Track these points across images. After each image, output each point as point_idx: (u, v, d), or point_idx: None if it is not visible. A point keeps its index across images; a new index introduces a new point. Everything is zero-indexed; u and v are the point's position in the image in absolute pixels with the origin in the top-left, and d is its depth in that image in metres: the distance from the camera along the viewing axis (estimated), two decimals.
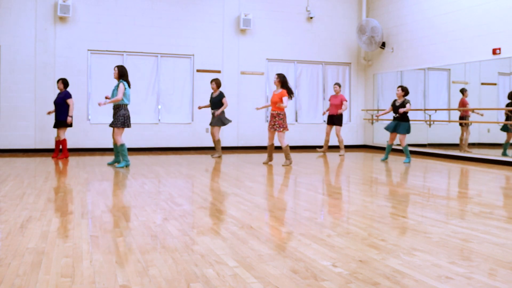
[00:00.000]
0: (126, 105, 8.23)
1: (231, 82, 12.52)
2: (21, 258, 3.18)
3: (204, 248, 3.46)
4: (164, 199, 5.50)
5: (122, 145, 8.21)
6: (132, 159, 9.92)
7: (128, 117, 8.20)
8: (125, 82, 8.19)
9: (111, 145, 11.69)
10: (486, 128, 10.65)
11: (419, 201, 5.60)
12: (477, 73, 10.66)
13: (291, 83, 13.17)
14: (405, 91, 9.76)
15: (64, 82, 9.77)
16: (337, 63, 13.70)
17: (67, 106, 9.59)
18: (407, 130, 9.67)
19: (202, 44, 12.35)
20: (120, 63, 11.76)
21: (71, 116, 9.59)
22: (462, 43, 10.55)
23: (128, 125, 8.21)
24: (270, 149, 9.21)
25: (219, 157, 10.39)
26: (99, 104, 8.14)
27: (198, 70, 12.37)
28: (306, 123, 13.36)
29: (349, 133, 13.81)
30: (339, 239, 3.78)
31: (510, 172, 8.52)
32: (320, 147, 12.77)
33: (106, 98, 8.52)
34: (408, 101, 9.65)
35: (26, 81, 11.09)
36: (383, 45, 12.95)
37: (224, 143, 12.47)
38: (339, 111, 11.32)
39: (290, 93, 8.80)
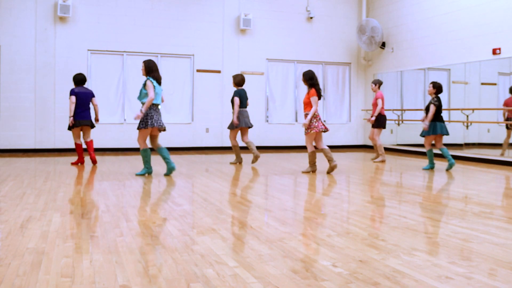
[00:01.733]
0: (152, 104, 7.11)
1: (231, 82, 12.49)
2: (21, 258, 3.18)
3: (204, 248, 3.46)
4: (164, 199, 5.50)
5: (143, 150, 7.23)
6: (133, 159, 9.92)
7: (152, 117, 7.05)
8: (152, 79, 7.16)
9: (111, 145, 11.71)
10: (486, 128, 10.64)
11: (419, 201, 5.60)
12: (477, 73, 10.65)
13: (290, 83, 13.19)
14: (436, 88, 8.36)
15: (73, 79, 8.77)
16: (337, 63, 13.69)
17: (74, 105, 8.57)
18: (427, 132, 8.44)
19: (202, 44, 12.35)
20: (120, 63, 11.78)
21: (71, 117, 8.49)
22: (462, 43, 10.55)
23: (151, 124, 7.02)
24: (311, 156, 7.96)
25: (237, 163, 9.31)
26: (137, 118, 7.00)
27: (198, 70, 12.37)
28: None
29: (349, 133, 13.81)
30: (339, 239, 3.78)
31: (510, 172, 8.52)
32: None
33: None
34: (432, 102, 8.30)
35: (26, 81, 11.08)
36: (383, 45, 12.94)
37: (224, 143, 12.47)
38: (371, 119, 10.00)
39: (318, 91, 7.77)
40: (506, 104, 9.99)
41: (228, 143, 12.36)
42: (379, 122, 10.02)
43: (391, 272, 2.98)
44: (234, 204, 5.30)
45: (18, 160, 9.43)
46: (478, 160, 10.14)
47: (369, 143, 13.77)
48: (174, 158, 10.32)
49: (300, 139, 13.17)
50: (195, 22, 12.29)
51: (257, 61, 12.82)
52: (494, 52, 9.76)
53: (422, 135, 8.57)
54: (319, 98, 7.82)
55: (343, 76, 13.84)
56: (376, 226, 4.23)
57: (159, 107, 7.30)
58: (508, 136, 9.97)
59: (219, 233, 3.92)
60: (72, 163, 8.82)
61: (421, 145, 11.85)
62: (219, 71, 12.47)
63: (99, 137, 11.49)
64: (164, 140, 12.08)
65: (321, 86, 13.56)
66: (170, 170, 7.40)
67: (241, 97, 9.07)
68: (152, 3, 11.96)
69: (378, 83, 10.13)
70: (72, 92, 8.61)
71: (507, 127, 10.02)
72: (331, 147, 13.45)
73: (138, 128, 7.11)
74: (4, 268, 2.97)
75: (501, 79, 10.33)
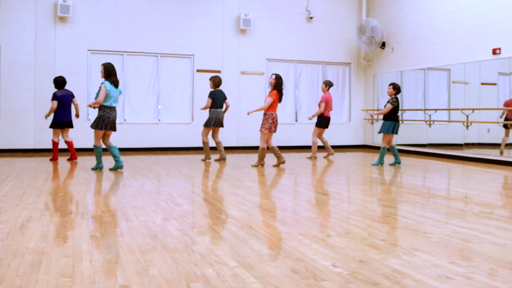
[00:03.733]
0: (106, 106, 7.62)
1: (231, 82, 12.52)
2: (21, 258, 3.18)
3: (204, 248, 3.46)
4: (164, 199, 5.50)
5: (96, 147, 7.83)
6: (132, 159, 9.93)
7: (103, 119, 7.60)
8: (107, 83, 7.58)
9: None
10: (486, 128, 10.64)
11: (419, 201, 5.60)
12: (477, 73, 10.65)
13: (290, 83, 13.19)
14: (396, 89, 9.00)
15: (54, 81, 9.34)
16: (337, 63, 13.70)
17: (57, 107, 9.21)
18: (387, 130, 8.99)
19: (202, 44, 12.35)
20: (120, 63, 11.77)
21: (47, 116, 9.36)
22: (462, 43, 10.55)
23: (105, 127, 7.63)
24: (261, 152, 8.71)
25: (206, 159, 9.79)
26: (93, 107, 7.64)
27: (198, 70, 12.37)
28: (306, 123, 13.35)
29: (348, 133, 13.81)
30: (339, 239, 3.78)
31: (510, 172, 8.52)
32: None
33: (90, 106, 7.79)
34: (389, 101, 8.93)
35: (26, 81, 11.09)
36: (383, 45, 12.94)
37: (224, 143, 12.45)
38: (310, 117, 10.85)
39: (280, 94, 8.51)
40: (506, 105, 9.96)
41: (227, 143, 12.38)
42: (321, 122, 10.50)
43: (391, 272, 2.98)
44: (234, 204, 5.30)
45: (18, 160, 9.43)
46: (478, 160, 10.14)
47: (369, 143, 13.77)
48: (174, 158, 10.33)
49: (300, 139, 13.18)
50: (195, 22, 12.29)
51: (257, 61, 12.83)
52: (494, 52, 9.76)
53: (380, 132, 9.16)
54: (279, 101, 8.52)
55: (343, 76, 13.84)
56: (376, 226, 4.23)
57: (110, 108, 7.72)
58: (507, 135, 9.98)
59: (219, 233, 3.92)
60: (50, 159, 9.48)
61: (421, 145, 11.87)
62: (219, 71, 12.46)
63: None
64: (164, 139, 12.10)
65: (321, 86, 13.54)
66: (116, 167, 7.99)
67: (216, 98, 9.51)
68: (152, 3, 11.96)
69: (328, 85, 10.59)
70: (55, 97, 9.20)
71: (505, 127, 10.03)
72: (331, 146, 13.47)
73: (91, 127, 7.70)
74: (4, 268, 2.97)
75: (501, 79, 10.33)
